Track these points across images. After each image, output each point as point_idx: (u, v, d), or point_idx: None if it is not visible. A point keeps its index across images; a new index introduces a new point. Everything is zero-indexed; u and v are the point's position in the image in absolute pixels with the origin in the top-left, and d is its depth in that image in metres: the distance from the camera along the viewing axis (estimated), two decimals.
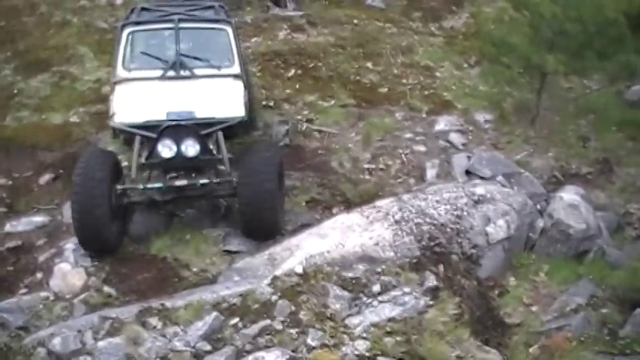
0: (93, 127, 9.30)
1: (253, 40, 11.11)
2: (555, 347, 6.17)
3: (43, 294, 6.96)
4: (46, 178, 8.61)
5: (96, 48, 10.93)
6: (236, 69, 7.97)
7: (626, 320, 6.26)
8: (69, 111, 9.62)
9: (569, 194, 7.93)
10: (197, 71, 7.84)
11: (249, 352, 5.82)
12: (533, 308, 6.99)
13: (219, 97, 7.77)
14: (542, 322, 6.72)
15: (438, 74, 10.56)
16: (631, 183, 8.63)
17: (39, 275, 7.23)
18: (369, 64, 10.61)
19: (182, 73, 7.80)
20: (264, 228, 7.54)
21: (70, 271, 7.12)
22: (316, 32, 11.42)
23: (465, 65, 10.87)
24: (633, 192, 8.51)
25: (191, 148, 7.40)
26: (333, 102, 9.74)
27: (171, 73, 7.80)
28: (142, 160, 7.60)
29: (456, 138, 9.02)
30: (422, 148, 8.81)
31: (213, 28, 8.22)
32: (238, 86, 7.91)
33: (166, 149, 7.38)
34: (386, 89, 10.08)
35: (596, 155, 9.03)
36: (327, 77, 10.22)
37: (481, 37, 10.16)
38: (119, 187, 7.46)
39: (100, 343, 5.96)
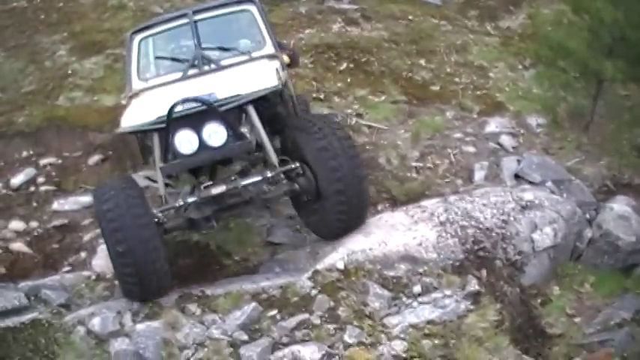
0: None
1: (307, 31, 11.06)
2: None
3: (86, 273, 7.07)
4: (94, 158, 8.71)
5: None
6: (269, 48, 7.14)
7: None
8: (120, 93, 9.68)
9: (620, 205, 7.74)
10: (224, 62, 6.98)
11: (285, 345, 5.83)
12: (576, 320, 6.85)
13: (248, 76, 6.66)
14: (584, 335, 6.58)
15: (491, 75, 10.38)
16: None
17: (83, 254, 7.35)
18: (422, 61, 10.49)
19: (206, 68, 6.92)
20: (358, 224, 6.82)
21: None
22: (370, 26, 11.32)
23: (520, 67, 10.66)
24: None
25: (216, 134, 6.18)
26: (383, 98, 9.64)
27: (193, 71, 6.91)
28: (159, 165, 6.31)
29: (506, 140, 8.86)
30: (471, 149, 8.68)
31: (234, 12, 7.36)
32: (271, 64, 6.91)
33: (185, 142, 6.18)
34: (438, 87, 9.96)
35: None
36: (378, 72, 10.11)
37: (538, 39, 9.97)
38: (157, 211, 6.25)
39: (139, 326, 6.05)
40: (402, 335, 5.97)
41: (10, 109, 9.51)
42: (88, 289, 6.86)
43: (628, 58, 8.59)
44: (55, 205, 8.04)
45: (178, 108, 6.07)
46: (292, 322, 6.03)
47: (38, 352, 5.95)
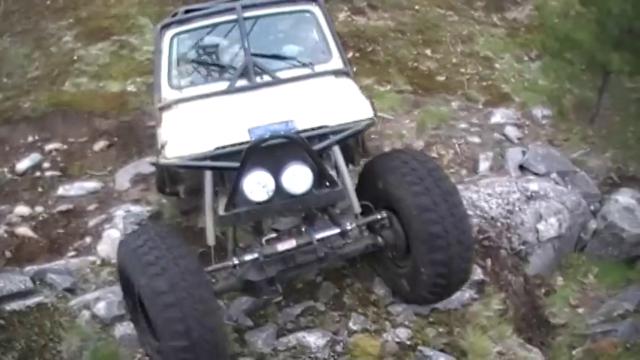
0: (149, 97, 9.35)
1: None
2: (600, 352, 6.07)
3: (91, 258, 7.05)
4: (100, 144, 8.69)
5: (156, 19, 10.98)
6: (336, 62, 5.86)
7: None
8: (126, 80, 9.68)
9: (625, 197, 7.75)
10: (281, 74, 5.66)
11: (290, 331, 5.84)
12: (580, 310, 6.88)
13: (326, 99, 5.35)
14: (587, 325, 6.61)
15: (497, 66, 10.37)
16: None
17: (88, 240, 7.33)
18: (428, 51, 10.48)
19: (258, 80, 5.58)
20: (458, 289, 5.72)
21: (118, 237, 7.15)
22: (376, 16, 11.29)
23: (526, 58, 10.65)
24: None
25: (299, 178, 4.92)
26: (389, 87, 9.64)
27: (242, 82, 5.57)
28: (220, 211, 5.03)
29: (511, 131, 8.85)
30: (476, 140, 8.67)
31: (292, 12, 6.10)
32: (347, 83, 5.69)
33: (257, 186, 4.89)
34: (443, 78, 9.95)
35: None
36: (384, 62, 10.10)
37: (544, 31, 9.94)
38: (209, 269, 5.11)
39: None
40: (406, 323, 5.96)
41: (16, 94, 9.48)
42: (93, 274, 6.84)
43: (635, 50, 8.57)
44: (61, 191, 8.02)
45: (242, 138, 4.94)
46: (297, 308, 6.05)
47: (43, 336, 5.96)
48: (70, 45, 10.50)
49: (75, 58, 10.20)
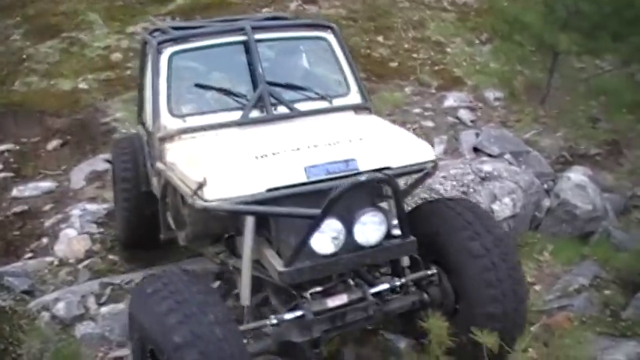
0: (101, 93, 9.30)
1: (264, 10, 11.03)
2: (556, 326, 6.16)
3: (49, 259, 6.98)
4: (53, 143, 8.61)
5: (106, 14, 10.89)
6: (355, 97, 5.37)
7: (629, 302, 6.23)
8: (77, 77, 9.60)
9: (577, 175, 7.87)
10: (298, 106, 5.12)
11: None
12: (537, 287, 6.96)
13: (377, 138, 4.69)
14: (544, 302, 6.68)
15: (448, 50, 10.49)
16: (639, 166, 8.56)
17: (44, 240, 7.26)
18: (380, 38, 10.55)
19: (274, 112, 5.03)
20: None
21: (75, 237, 7.12)
22: (328, 4, 11.35)
23: (477, 42, 10.79)
24: None
25: (373, 227, 4.25)
26: None
27: (255, 113, 5.00)
28: (278, 267, 4.20)
29: (464, 115, 8.97)
30: (430, 124, 8.76)
31: (305, 38, 5.58)
32: (383, 122, 5.18)
33: (327, 238, 4.15)
34: (396, 64, 10.03)
35: (606, 137, 8.95)
36: None
37: (494, 14, 10.09)
38: (242, 329, 4.17)
39: (103, 309, 6.00)
40: None
41: None
42: (51, 275, 6.78)
43: (582, 30, 8.73)
44: (15, 192, 7.94)
45: (299, 178, 4.24)
46: (258, 296, 6.03)
47: (2, 340, 5.85)
48: (18, 44, 10.38)
49: (24, 56, 10.10)
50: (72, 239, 7.09)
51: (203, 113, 5.07)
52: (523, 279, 4.74)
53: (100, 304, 6.09)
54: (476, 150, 8.29)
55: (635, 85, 9.84)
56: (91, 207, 7.46)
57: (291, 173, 4.24)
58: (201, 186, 4.15)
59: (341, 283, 4.53)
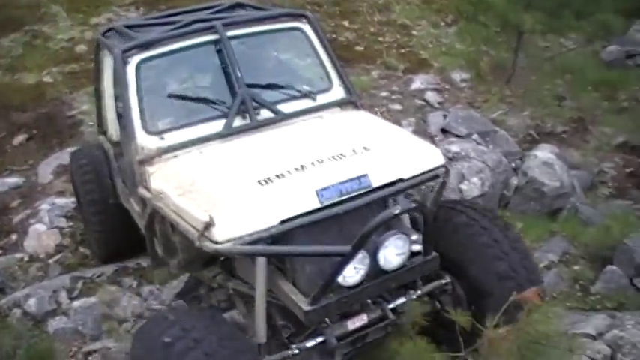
0: (66, 86, 9.19)
1: None
2: (525, 301, 6.24)
3: (18, 255, 6.93)
4: (19, 139, 8.51)
5: (69, 6, 10.76)
6: (338, 91, 5.05)
7: (597, 277, 6.33)
8: (42, 71, 9.48)
9: (544, 153, 7.96)
10: (281, 108, 4.77)
11: (224, 310, 5.86)
12: None
13: (378, 143, 4.37)
14: None
15: (414, 33, 10.51)
16: (605, 142, 8.64)
17: (14, 237, 7.19)
18: (346, 22, 10.54)
19: (258, 117, 4.66)
20: None
21: (45, 231, 7.07)
22: None
23: (442, 24, 10.82)
24: (607, 151, 8.53)
25: (397, 250, 3.97)
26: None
27: (238, 121, 4.62)
28: (303, 306, 3.82)
29: (432, 96, 9.00)
30: (398, 107, 8.79)
31: (278, 30, 5.13)
32: (369, 117, 4.95)
33: (352, 269, 3.85)
34: (362, 47, 10.03)
35: (572, 114, 9.03)
36: None
37: None
38: None
39: (76, 303, 5.98)
40: None
41: None
42: (22, 271, 6.73)
43: (546, 9, 8.82)
44: None
45: (312, 204, 3.90)
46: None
47: None
48: None
49: None
50: (42, 234, 7.04)
51: (182, 127, 4.62)
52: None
53: (72, 299, 6.08)
54: (444, 131, 8.33)
55: (599, 63, 9.97)
56: (60, 201, 7.40)
57: (302, 200, 3.90)
58: (208, 226, 3.76)
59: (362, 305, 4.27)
